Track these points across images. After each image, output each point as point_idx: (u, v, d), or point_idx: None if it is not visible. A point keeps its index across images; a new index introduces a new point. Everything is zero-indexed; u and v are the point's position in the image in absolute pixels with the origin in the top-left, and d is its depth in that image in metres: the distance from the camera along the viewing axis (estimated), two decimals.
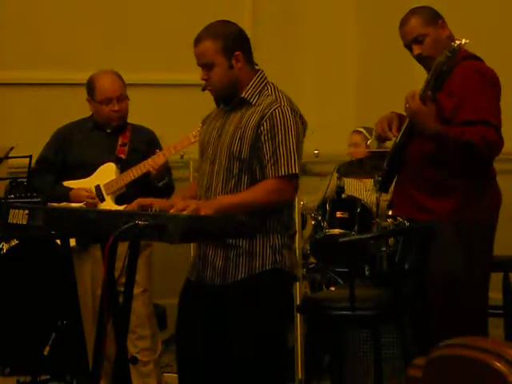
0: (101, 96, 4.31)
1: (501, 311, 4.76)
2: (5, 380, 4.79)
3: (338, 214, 5.00)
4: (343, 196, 5.12)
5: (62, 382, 4.68)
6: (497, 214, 3.71)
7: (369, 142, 5.21)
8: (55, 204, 4.27)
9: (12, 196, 4.90)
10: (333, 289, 4.70)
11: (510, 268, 4.76)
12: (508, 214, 3.91)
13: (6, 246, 4.84)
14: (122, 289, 3.09)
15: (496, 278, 4.28)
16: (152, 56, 6.15)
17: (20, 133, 5.58)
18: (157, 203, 3.27)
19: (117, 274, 3.01)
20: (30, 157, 4.64)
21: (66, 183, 4.37)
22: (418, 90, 3.54)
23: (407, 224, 3.66)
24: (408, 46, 3.72)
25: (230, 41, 3.20)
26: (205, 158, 3.31)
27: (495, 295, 4.42)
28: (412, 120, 3.58)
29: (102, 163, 4.34)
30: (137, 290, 3.67)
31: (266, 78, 3.28)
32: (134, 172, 4.25)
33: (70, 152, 4.39)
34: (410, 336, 3.68)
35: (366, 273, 4.73)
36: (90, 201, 4.25)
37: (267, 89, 3.24)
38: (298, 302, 4.16)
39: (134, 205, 3.26)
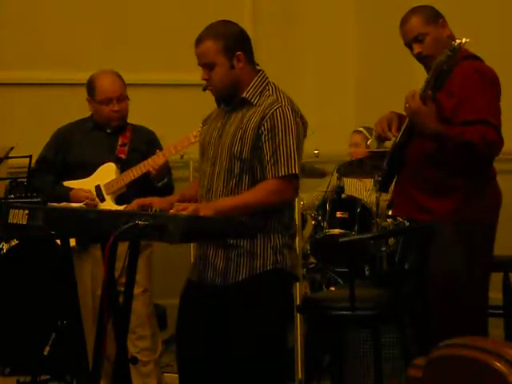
0: (101, 96, 4.31)
1: (501, 311, 4.76)
2: (5, 380, 4.79)
3: (338, 214, 5.00)
4: (343, 196, 5.12)
5: (62, 382, 4.68)
6: (497, 214, 3.71)
7: (369, 142, 5.21)
8: (55, 204, 4.27)
9: (12, 196, 4.90)
10: (333, 289, 4.70)
11: (510, 268, 4.76)
12: (508, 213, 3.91)
13: (6, 246, 4.84)
14: (122, 289, 3.09)
15: (496, 278, 4.28)
16: (152, 56, 6.15)
17: (20, 133, 5.58)
18: (156, 202, 3.27)
19: (117, 274, 3.01)
20: (30, 157, 4.64)
21: (66, 183, 4.37)
22: (418, 89, 3.54)
23: (407, 224, 3.66)
24: (408, 45, 3.72)
25: (232, 41, 3.20)
26: (205, 159, 3.30)
27: (495, 295, 4.42)
28: (412, 120, 3.58)
29: (102, 163, 4.34)
30: (137, 290, 3.67)
31: (267, 79, 3.28)
32: (134, 172, 4.25)
33: (70, 152, 4.39)
34: (410, 336, 3.68)
35: (366, 273, 4.73)
36: (90, 201, 4.25)
37: (268, 89, 3.24)
38: (297, 302, 4.16)
39: (134, 205, 3.27)
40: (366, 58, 6.55)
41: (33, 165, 4.60)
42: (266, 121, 3.16)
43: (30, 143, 4.61)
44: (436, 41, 3.65)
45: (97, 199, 4.30)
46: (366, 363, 4.25)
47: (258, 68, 3.30)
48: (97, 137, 4.41)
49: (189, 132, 4.22)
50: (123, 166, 4.33)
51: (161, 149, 4.29)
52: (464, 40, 3.45)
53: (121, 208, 4.13)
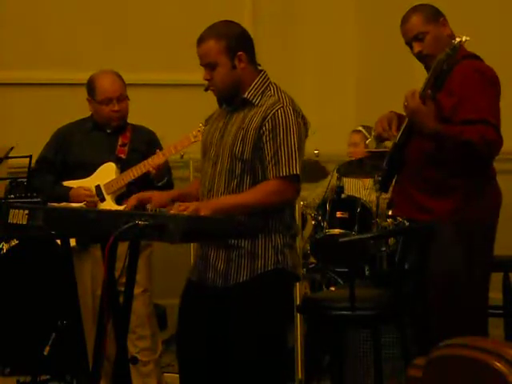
0: (101, 96, 4.31)
1: (501, 311, 4.75)
2: (5, 380, 4.79)
3: (338, 214, 5.00)
4: (343, 196, 5.12)
5: (62, 382, 4.68)
6: (497, 214, 3.71)
7: (367, 142, 5.21)
8: (55, 204, 4.27)
9: (12, 196, 4.89)
10: (333, 289, 4.70)
11: (510, 268, 4.75)
12: (508, 213, 3.91)
13: (6, 246, 4.84)
14: (122, 289, 3.09)
15: (496, 278, 4.27)
16: (152, 56, 6.15)
17: (20, 133, 5.58)
18: (156, 196, 3.28)
19: (117, 274, 3.01)
20: (30, 157, 4.64)
21: (66, 183, 4.37)
22: (418, 88, 3.54)
23: (407, 224, 3.66)
24: (409, 44, 3.72)
25: (234, 41, 3.20)
26: (207, 159, 3.30)
27: (495, 295, 4.42)
28: (411, 119, 3.58)
29: (102, 163, 4.34)
30: (137, 290, 3.67)
31: (268, 79, 3.28)
32: (134, 172, 4.25)
33: (70, 152, 4.39)
34: (410, 336, 3.68)
35: (366, 273, 4.73)
36: (90, 199, 4.25)
37: (270, 89, 3.24)
38: (297, 302, 4.16)
39: (133, 200, 3.27)
40: (366, 57, 6.55)
41: (33, 165, 4.60)
42: (268, 121, 3.15)
43: (30, 143, 4.61)
44: (436, 40, 3.65)
45: (96, 197, 4.30)
46: (366, 363, 4.25)
47: (260, 68, 3.30)
48: (97, 137, 4.41)
49: (189, 132, 4.22)
50: (123, 166, 4.33)
51: (161, 149, 4.29)
52: (464, 38, 3.45)
53: (121, 208, 4.14)
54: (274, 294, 3.20)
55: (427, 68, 3.64)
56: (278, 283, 3.21)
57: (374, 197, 5.00)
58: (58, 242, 3.42)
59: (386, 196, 4.16)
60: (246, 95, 3.23)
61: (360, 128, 5.65)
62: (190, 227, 2.78)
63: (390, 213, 3.75)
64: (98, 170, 4.33)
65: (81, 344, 3.16)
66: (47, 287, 4.68)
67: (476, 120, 3.49)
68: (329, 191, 5.28)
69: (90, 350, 3.14)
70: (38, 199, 4.55)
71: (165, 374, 4.65)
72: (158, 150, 4.23)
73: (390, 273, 3.75)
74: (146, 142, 4.41)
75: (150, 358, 4.35)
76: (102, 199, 4.31)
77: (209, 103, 3.47)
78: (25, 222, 3.03)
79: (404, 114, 3.64)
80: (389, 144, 3.91)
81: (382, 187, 3.88)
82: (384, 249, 3.77)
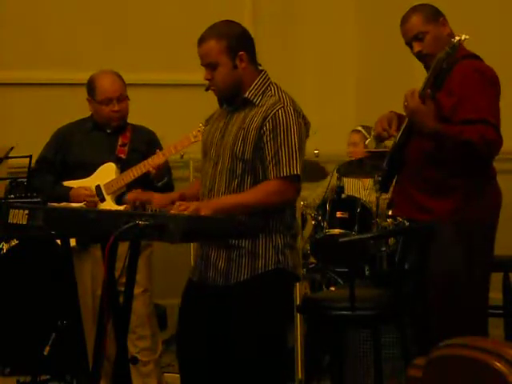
0: (101, 96, 4.31)
1: (501, 311, 4.75)
2: (5, 380, 4.79)
3: (338, 214, 5.00)
4: (343, 196, 5.12)
5: (62, 382, 4.67)
6: (497, 214, 3.71)
7: (367, 142, 5.22)
8: (55, 204, 4.27)
9: (12, 196, 4.89)
10: (333, 289, 4.70)
11: (510, 268, 4.75)
12: (508, 213, 3.91)
13: (6, 246, 4.84)
14: (122, 289, 3.09)
15: (496, 278, 4.27)
16: (152, 56, 6.15)
17: (20, 133, 5.58)
18: (157, 199, 3.28)
19: (117, 274, 3.01)
20: (30, 157, 4.64)
21: (66, 183, 4.37)
22: (418, 88, 3.54)
23: (407, 224, 3.66)
24: (409, 44, 3.73)
25: (234, 41, 3.20)
26: (208, 159, 3.30)
27: (495, 295, 4.42)
28: (411, 118, 3.58)
29: (102, 163, 4.34)
30: (137, 290, 3.67)
31: (269, 79, 3.28)
32: (134, 172, 4.25)
33: (70, 152, 4.39)
34: (410, 336, 3.68)
35: (366, 273, 4.73)
36: (90, 199, 4.25)
37: (270, 89, 3.24)
38: (298, 302, 4.16)
39: (133, 195, 3.27)
40: (366, 57, 6.55)
41: (33, 165, 4.60)
42: (268, 121, 3.15)
43: (30, 143, 4.61)
44: (436, 39, 3.65)
45: (97, 197, 4.30)
46: (366, 363, 4.25)
47: (261, 68, 3.30)
48: (97, 137, 4.41)
49: (189, 132, 4.22)
50: (123, 166, 4.33)
51: (161, 149, 4.29)
52: (463, 37, 3.45)
53: (121, 208, 4.14)
54: (274, 293, 3.20)
55: (427, 68, 3.64)
56: (279, 283, 3.22)
57: (373, 197, 4.99)
58: (58, 242, 3.42)
59: (386, 196, 4.15)
60: (246, 95, 3.23)
61: (359, 128, 5.65)
62: (190, 227, 2.78)
63: (390, 213, 3.75)
64: (98, 170, 4.33)
65: (81, 344, 3.16)
66: (47, 287, 4.68)
67: (476, 120, 3.49)
68: (329, 191, 5.28)
69: (90, 350, 3.14)
70: (38, 199, 4.55)
71: (165, 374, 4.65)
72: (157, 150, 4.23)
73: (390, 273, 3.75)
74: (146, 142, 4.41)
75: (150, 357, 4.35)
76: (102, 199, 4.31)
77: (209, 103, 3.47)
78: (25, 222, 3.03)
79: (404, 113, 3.64)
80: (389, 144, 3.91)
81: (382, 187, 3.88)
82: (384, 249, 3.77)
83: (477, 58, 3.70)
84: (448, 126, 3.52)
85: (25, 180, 4.79)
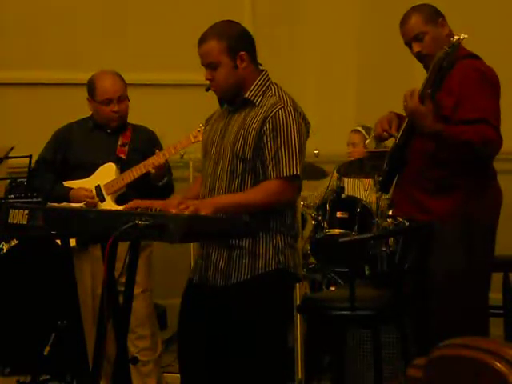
0: (101, 97, 4.31)
1: (501, 311, 4.75)
2: (5, 380, 4.78)
3: (338, 214, 5.00)
4: (343, 196, 5.12)
5: (62, 382, 4.67)
6: (497, 214, 3.71)
7: (367, 142, 5.22)
8: (55, 204, 4.27)
9: (12, 196, 4.89)
10: (333, 289, 4.70)
11: (510, 268, 4.75)
12: (508, 213, 3.91)
13: (6, 246, 4.84)
14: (123, 289, 3.09)
15: (496, 278, 4.27)
16: (152, 56, 6.14)
17: (20, 133, 5.58)
18: (155, 206, 3.27)
19: (117, 274, 3.01)
20: (30, 157, 4.63)
21: (67, 183, 4.37)
22: (418, 88, 3.54)
23: (407, 224, 3.66)
24: (408, 44, 3.73)
25: (235, 41, 3.20)
26: (208, 159, 3.30)
27: (495, 295, 4.42)
28: (410, 119, 3.58)
29: (102, 163, 4.34)
30: (137, 290, 3.67)
31: (269, 79, 3.28)
32: (134, 172, 4.25)
33: (70, 152, 4.39)
34: (410, 336, 3.68)
35: (366, 273, 4.73)
36: (90, 200, 4.25)
37: (271, 89, 3.24)
38: (298, 302, 4.15)
39: (134, 204, 3.27)
40: (366, 58, 6.55)
41: (33, 165, 4.60)
42: (269, 121, 3.15)
43: (30, 143, 4.61)
44: (435, 40, 3.65)
45: (96, 198, 4.30)
46: (366, 363, 4.25)
47: (261, 68, 3.29)
48: (97, 137, 4.41)
49: (189, 132, 4.22)
50: (123, 166, 4.33)
51: (161, 149, 4.29)
52: (462, 36, 3.45)
53: (121, 208, 4.14)
54: (274, 294, 3.20)
55: (426, 68, 3.64)
56: (279, 283, 3.22)
57: (374, 198, 5.00)
58: (58, 241, 3.42)
59: (387, 196, 4.16)
60: (247, 95, 3.23)
61: (359, 128, 5.65)
62: (190, 227, 2.78)
63: (390, 213, 3.75)
64: (98, 170, 4.33)
65: (81, 344, 3.16)
66: (47, 287, 4.67)
67: (475, 119, 3.49)
68: (329, 191, 5.28)
69: (90, 350, 3.14)
70: (38, 199, 4.54)
71: (165, 374, 4.65)
72: (157, 150, 4.23)
73: (390, 273, 3.75)
74: (147, 142, 4.41)
75: (149, 357, 4.35)
76: (102, 199, 4.31)
77: (209, 103, 3.48)
78: (25, 222, 3.03)
79: (404, 114, 3.64)
80: (389, 144, 3.91)
81: (383, 188, 3.88)
82: (384, 249, 3.77)
83: (477, 57, 3.70)
84: (448, 126, 3.52)
85: (25, 180, 4.79)
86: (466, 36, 3.45)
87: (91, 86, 4.36)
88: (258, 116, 3.18)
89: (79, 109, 4.50)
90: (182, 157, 5.04)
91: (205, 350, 3.24)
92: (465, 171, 3.60)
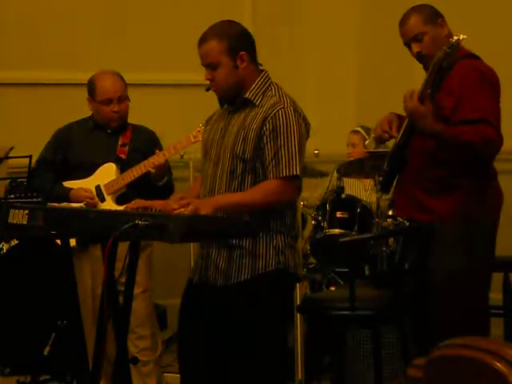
0: (102, 97, 4.31)
1: (501, 311, 4.75)
2: (5, 380, 4.78)
3: (338, 214, 5.00)
4: (343, 196, 5.12)
5: (62, 382, 4.67)
6: (498, 214, 3.71)
7: (367, 143, 5.22)
8: (55, 204, 4.27)
9: (12, 196, 4.89)
10: (333, 289, 4.70)
11: (510, 268, 4.75)
12: (509, 214, 3.90)
13: (6, 246, 4.84)
14: (123, 289, 3.09)
15: (496, 278, 4.27)
16: (152, 56, 6.14)
17: (20, 133, 5.57)
18: (156, 206, 3.27)
19: (117, 274, 3.01)
20: (30, 157, 4.63)
21: (67, 183, 4.37)
22: (418, 89, 3.54)
23: (407, 224, 3.66)
24: (408, 45, 3.73)
25: (235, 41, 3.20)
26: (208, 159, 3.30)
27: (495, 295, 4.42)
28: (410, 119, 3.58)
29: (103, 163, 4.34)
30: (137, 290, 3.67)
31: (269, 79, 3.28)
32: (134, 172, 4.25)
33: (71, 152, 4.39)
34: (410, 336, 3.68)
35: (366, 273, 4.73)
36: (90, 200, 4.26)
37: (271, 89, 3.24)
38: (298, 302, 4.15)
39: (134, 205, 3.26)
40: (366, 58, 6.55)
41: (33, 165, 4.60)
42: (269, 121, 3.15)
43: (30, 143, 4.60)
44: (434, 40, 3.65)
45: (97, 198, 4.30)
46: (366, 363, 4.25)
47: (261, 68, 3.29)
48: (97, 137, 4.41)
49: (189, 132, 4.22)
50: (123, 166, 4.33)
51: (161, 149, 4.29)
52: (461, 36, 3.45)
53: (121, 208, 4.13)
54: (274, 294, 3.20)
55: (426, 68, 3.64)
56: (279, 283, 3.22)
57: (374, 198, 5.00)
58: (58, 241, 3.42)
59: (387, 197, 4.15)
60: (247, 95, 3.23)
61: (358, 128, 5.65)
62: (190, 227, 2.78)
63: (390, 213, 3.75)
64: (98, 170, 4.33)
65: (81, 344, 3.16)
66: (47, 287, 4.67)
67: (475, 119, 3.49)
68: (329, 191, 5.28)
69: (90, 350, 3.14)
70: (38, 199, 4.54)
71: (165, 374, 4.65)
72: (157, 150, 4.23)
73: (390, 273, 3.75)
74: (147, 142, 4.41)
75: (149, 357, 4.36)
76: (102, 199, 4.31)
77: (209, 103, 3.47)
78: (25, 222, 3.03)
79: (404, 114, 3.64)
80: (389, 144, 3.90)
81: (383, 188, 3.88)
82: (384, 249, 3.77)
83: (476, 57, 3.70)
84: (448, 126, 3.52)
85: (25, 180, 4.79)
86: (465, 36, 3.45)
87: (91, 86, 4.36)
88: (258, 116, 3.18)
89: (79, 109, 4.50)
90: (182, 157, 5.04)
91: (205, 350, 3.24)
92: (465, 171, 3.60)
